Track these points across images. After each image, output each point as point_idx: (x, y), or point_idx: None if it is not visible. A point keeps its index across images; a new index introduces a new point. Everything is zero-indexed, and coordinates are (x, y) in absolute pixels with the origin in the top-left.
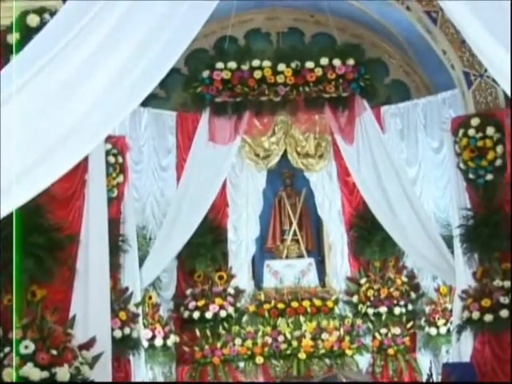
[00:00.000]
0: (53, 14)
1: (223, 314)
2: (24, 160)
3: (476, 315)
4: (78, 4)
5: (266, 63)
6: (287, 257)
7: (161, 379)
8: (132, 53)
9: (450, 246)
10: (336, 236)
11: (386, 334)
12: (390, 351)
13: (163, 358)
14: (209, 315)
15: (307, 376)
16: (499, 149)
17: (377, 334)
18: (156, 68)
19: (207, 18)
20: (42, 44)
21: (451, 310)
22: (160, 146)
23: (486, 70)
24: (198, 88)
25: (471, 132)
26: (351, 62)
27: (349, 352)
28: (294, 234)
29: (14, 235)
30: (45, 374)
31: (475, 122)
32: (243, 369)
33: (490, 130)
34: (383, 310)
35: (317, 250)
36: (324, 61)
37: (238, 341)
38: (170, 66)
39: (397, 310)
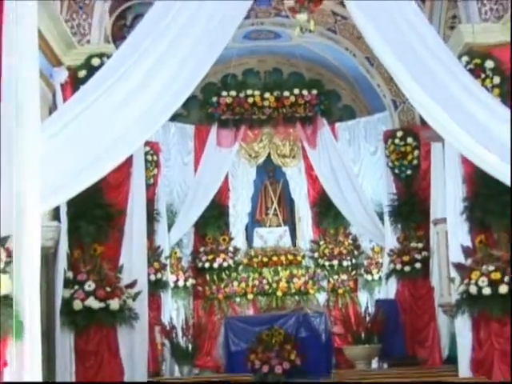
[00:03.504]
0: (109, 56)
1: (225, 264)
2: (89, 156)
3: (399, 267)
4: (125, 50)
5: (257, 92)
6: (270, 226)
7: (182, 309)
8: (163, 84)
9: (381, 218)
10: (303, 211)
11: (337, 279)
12: (340, 291)
13: (184, 294)
14: (215, 265)
15: (282, 308)
16: (415, 153)
17: (331, 279)
18: (180, 95)
19: (216, 58)
20: (101, 78)
21: (382, 263)
22: (182, 149)
23: (407, 99)
24: (209, 109)
25: (397, 141)
26: (315, 92)
27: (311, 291)
28: (275, 210)
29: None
30: (102, 305)
31: (399, 134)
32: (239, 302)
33: (410, 140)
34: (335, 262)
35: (290, 221)
36: (296, 91)
37: (235, 283)
38: (189, 93)
39: (345, 263)
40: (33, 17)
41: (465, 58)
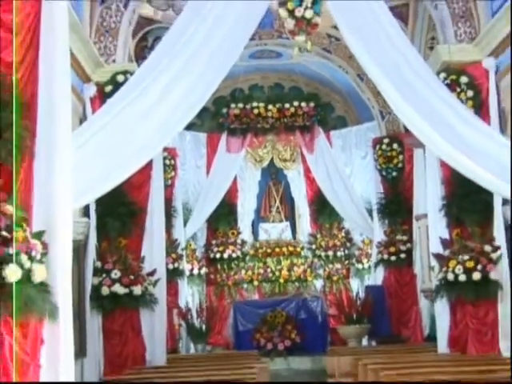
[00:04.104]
0: (132, 73)
1: (234, 255)
2: (114, 161)
3: (386, 257)
4: (146, 68)
5: (261, 104)
6: (273, 221)
7: (196, 294)
8: (179, 97)
9: (370, 215)
10: (302, 209)
11: (332, 268)
12: (334, 278)
13: (198, 281)
14: (225, 256)
15: (284, 293)
16: (400, 157)
17: (326, 268)
18: (193, 107)
19: (225, 75)
20: (124, 92)
21: (371, 254)
22: (196, 154)
23: (392, 110)
24: (219, 119)
25: (384, 147)
26: (312, 104)
27: (309, 279)
28: (277, 207)
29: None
30: (126, 291)
31: (386, 140)
32: (246, 288)
33: (395, 146)
34: (330, 253)
35: (291, 217)
36: (296, 103)
37: (243, 271)
38: (201, 105)
39: (338, 254)
40: (65, 40)
41: (442, 75)
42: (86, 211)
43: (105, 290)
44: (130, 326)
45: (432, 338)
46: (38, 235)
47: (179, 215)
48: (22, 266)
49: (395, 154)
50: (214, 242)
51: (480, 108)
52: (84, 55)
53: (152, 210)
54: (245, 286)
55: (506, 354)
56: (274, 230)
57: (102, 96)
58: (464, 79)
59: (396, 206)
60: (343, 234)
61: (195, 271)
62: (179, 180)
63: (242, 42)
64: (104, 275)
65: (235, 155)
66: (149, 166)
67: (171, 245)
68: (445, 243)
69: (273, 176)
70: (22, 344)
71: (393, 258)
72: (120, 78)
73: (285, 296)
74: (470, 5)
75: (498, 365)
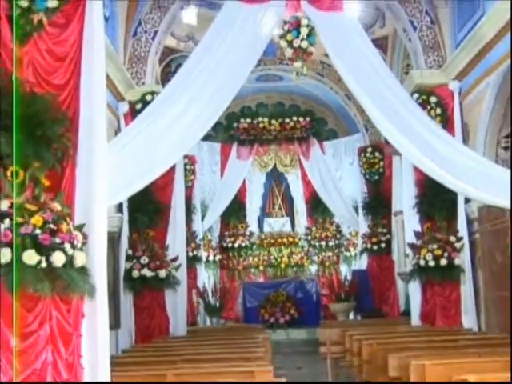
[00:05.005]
0: (158, 94)
1: (243, 244)
2: (143, 166)
3: (369, 246)
4: (169, 90)
5: (266, 119)
6: (275, 216)
7: (212, 277)
8: (197, 113)
9: (356, 211)
10: (300, 206)
11: (325, 255)
12: (327, 264)
13: (213, 266)
14: (236, 245)
15: (284, 276)
16: (381, 163)
17: (320, 255)
18: (209, 121)
19: (235, 95)
20: (152, 109)
21: (357, 243)
22: (212, 161)
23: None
24: (231, 132)
25: (368, 155)
26: (308, 119)
27: (306, 264)
28: (279, 205)
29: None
30: (153, 274)
31: (370, 149)
32: (253, 272)
33: (377, 154)
34: (323, 243)
35: (290, 213)
36: (294, 118)
37: (250, 258)
38: (215, 120)
39: (330, 243)
40: (102, 66)
41: (415, 95)
42: (119, 208)
43: (135, 273)
44: (157, 303)
45: (407, 312)
46: (79, 227)
47: (197, 211)
48: (65, 253)
49: (377, 161)
50: (226, 233)
51: (446, 123)
52: (118, 78)
53: (175, 207)
54: (252, 270)
55: (466, 326)
56: (277, 224)
57: (133, 112)
58: (433, 99)
59: (377, 203)
60: (334, 227)
61: (211, 258)
62: (197, 182)
63: (248, 68)
64: (135, 261)
65: (244, 162)
66: (172, 170)
67: (191, 236)
68: (417, 235)
69: (275, 179)
70: (66, 317)
71: (375, 247)
72: (148, 97)
73: (285, 279)
74: (437, 37)
75: (460, 334)
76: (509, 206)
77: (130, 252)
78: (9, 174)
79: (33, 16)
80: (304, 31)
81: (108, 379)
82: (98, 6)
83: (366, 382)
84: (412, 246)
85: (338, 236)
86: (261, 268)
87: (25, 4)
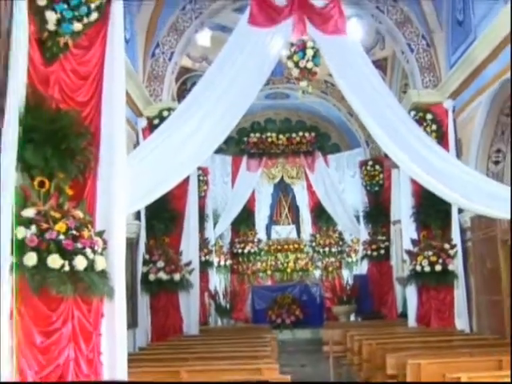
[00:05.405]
0: (174, 110)
1: (252, 250)
2: (160, 177)
3: (369, 252)
4: (184, 106)
5: (273, 134)
6: (282, 224)
7: (223, 281)
8: (210, 128)
9: (358, 220)
10: (305, 215)
11: (328, 261)
12: (330, 269)
13: (224, 271)
14: (245, 251)
15: (290, 280)
16: (381, 176)
17: (323, 261)
18: (220, 136)
19: (246, 111)
20: (168, 124)
21: (358, 250)
22: (224, 172)
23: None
24: (241, 145)
25: (368, 168)
26: (313, 134)
27: (311, 269)
28: (286, 214)
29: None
30: (168, 277)
31: (370, 163)
32: (261, 276)
33: (377, 167)
34: (327, 249)
35: (296, 222)
36: (300, 133)
37: (259, 263)
38: (227, 135)
39: (333, 250)
40: (122, 84)
41: (412, 113)
42: (137, 215)
43: (152, 277)
44: (171, 304)
45: (404, 315)
46: (100, 234)
47: (210, 219)
48: (87, 257)
49: (377, 173)
50: (236, 240)
51: (442, 139)
52: (138, 95)
53: (189, 215)
54: (260, 274)
55: (459, 327)
56: (283, 231)
57: (151, 127)
58: (429, 116)
59: (377, 213)
60: (337, 235)
61: (222, 263)
62: (210, 192)
63: (258, 87)
64: (151, 265)
65: (254, 173)
66: (186, 181)
67: (203, 242)
68: (414, 242)
69: (282, 190)
70: (87, 317)
71: (375, 253)
72: (165, 113)
73: (291, 282)
74: (433, 59)
75: (454, 335)
76: (499, 216)
77: (146, 257)
78: (36, 183)
79: (59, 39)
80: (309, 53)
81: (125, 375)
82: (119, 29)
83: (366, 382)
84: (409, 252)
85: (341, 243)
86: (268, 272)
87: (52, 28)
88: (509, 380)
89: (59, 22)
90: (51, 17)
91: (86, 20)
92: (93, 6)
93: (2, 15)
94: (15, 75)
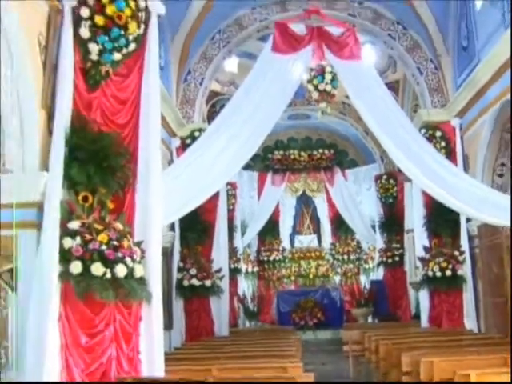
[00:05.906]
0: (204, 130)
1: (277, 258)
2: (192, 192)
3: (385, 259)
4: (214, 127)
5: (296, 152)
6: (305, 234)
7: (250, 286)
8: (237, 147)
9: (374, 229)
10: (326, 225)
11: (347, 267)
12: (349, 275)
13: (251, 277)
14: (271, 259)
15: (313, 285)
16: (395, 189)
17: (343, 267)
18: (247, 154)
19: (270, 131)
20: (199, 144)
21: (374, 257)
22: (250, 187)
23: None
24: (267, 162)
25: (383, 181)
26: (332, 151)
27: (331, 275)
28: (308, 224)
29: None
30: (200, 283)
31: (385, 177)
32: (286, 282)
33: (391, 181)
34: (346, 257)
35: (317, 231)
36: (320, 150)
37: (283, 270)
38: (253, 152)
39: (351, 257)
40: (158, 107)
41: (423, 130)
42: (172, 227)
43: (185, 283)
44: (203, 308)
45: (417, 316)
46: (138, 244)
47: (238, 230)
48: (127, 265)
49: (391, 187)
50: (262, 248)
51: (450, 154)
52: (172, 118)
53: (219, 226)
54: (285, 280)
55: (468, 327)
56: (305, 240)
57: (184, 146)
58: (438, 133)
59: (392, 223)
60: (355, 243)
61: (249, 270)
62: (238, 205)
63: (280, 110)
64: (185, 272)
65: (278, 188)
66: (217, 195)
67: (232, 251)
68: (426, 249)
69: (304, 202)
70: (128, 320)
71: (390, 260)
72: (196, 133)
73: (313, 287)
74: (441, 81)
75: (463, 335)
76: (504, 225)
77: (180, 264)
78: (80, 198)
79: (101, 68)
80: (328, 77)
81: (162, 372)
82: (155, 58)
83: (383, 382)
84: (421, 259)
85: (358, 251)
86: (292, 278)
87: (95, 58)
88: None
89: (101, 53)
90: (94, 48)
91: (124, 50)
92: (131, 37)
93: (50, 47)
94: (62, 100)
